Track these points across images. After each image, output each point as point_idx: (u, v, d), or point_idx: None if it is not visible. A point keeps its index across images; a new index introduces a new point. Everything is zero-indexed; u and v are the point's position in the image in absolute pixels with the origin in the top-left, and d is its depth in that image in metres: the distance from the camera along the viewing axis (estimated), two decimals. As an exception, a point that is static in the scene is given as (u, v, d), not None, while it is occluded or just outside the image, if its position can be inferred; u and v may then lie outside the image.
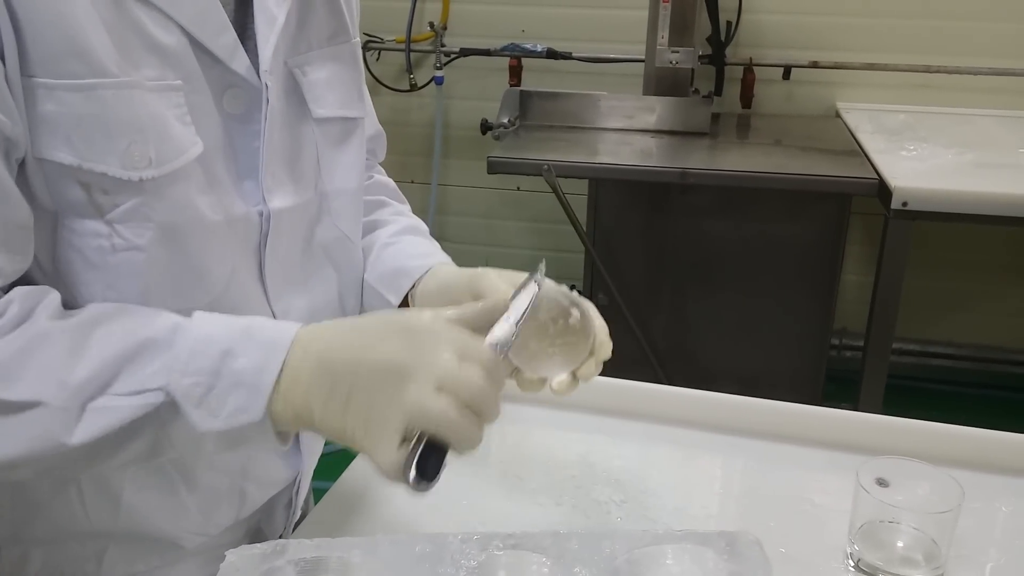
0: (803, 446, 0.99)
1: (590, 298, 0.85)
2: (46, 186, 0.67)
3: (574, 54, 2.88)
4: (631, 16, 2.68)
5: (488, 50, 2.94)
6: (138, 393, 0.64)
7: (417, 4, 2.96)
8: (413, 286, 0.90)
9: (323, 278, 0.87)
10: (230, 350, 0.65)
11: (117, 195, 0.68)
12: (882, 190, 2.09)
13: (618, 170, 2.28)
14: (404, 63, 3.04)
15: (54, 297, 0.68)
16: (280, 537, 0.93)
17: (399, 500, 0.91)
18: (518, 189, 3.08)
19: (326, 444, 0.96)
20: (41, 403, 0.63)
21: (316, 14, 0.82)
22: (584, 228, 2.35)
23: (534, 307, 0.72)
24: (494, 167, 2.27)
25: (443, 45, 3.00)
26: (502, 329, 0.67)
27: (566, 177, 2.23)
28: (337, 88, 0.85)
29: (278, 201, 0.78)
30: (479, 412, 0.62)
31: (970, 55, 2.70)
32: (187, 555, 0.85)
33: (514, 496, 0.92)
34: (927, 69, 2.73)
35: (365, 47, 2.97)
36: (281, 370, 0.65)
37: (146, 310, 0.69)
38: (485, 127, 2.57)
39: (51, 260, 0.70)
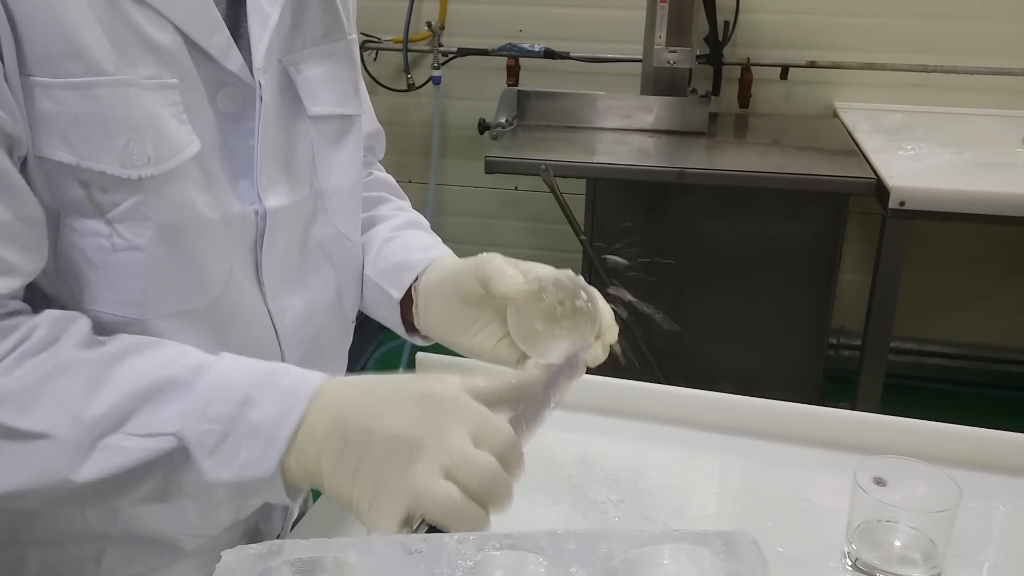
0: (801, 445, 0.99)
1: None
2: (47, 185, 0.67)
3: (572, 54, 2.88)
4: (628, 16, 2.69)
5: (486, 50, 2.94)
6: (151, 436, 0.63)
7: (415, 4, 2.96)
8: (416, 280, 0.89)
9: (321, 277, 0.87)
10: (250, 397, 0.64)
11: (116, 194, 0.68)
12: (880, 189, 2.09)
13: (616, 170, 2.29)
14: (401, 63, 3.04)
15: (83, 324, 0.68)
16: (278, 537, 0.93)
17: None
18: (516, 189, 3.08)
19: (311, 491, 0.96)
20: (52, 436, 0.62)
21: (311, 11, 0.82)
22: (582, 228, 2.35)
23: (540, 287, 0.72)
24: (492, 167, 2.27)
25: (441, 45, 3.00)
26: (528, 416, 0.64)
27: (564, 177, 2.23)
28: (332, 85, 0.84)
29: (274, 200, 0.78)
30: (487, 501, 0.60)
31: (967, 55, 2.70)
32: (185, 556, 0.85)
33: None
34: (924, 69, 2.73)
35: (362, 47, 2.96)
36: (299, 424, 0.63)
37: (174, 346, 0.68)
38: (483, 127, 2.57)
39: (53, 260, 0.70)
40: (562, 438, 1.02)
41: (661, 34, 2.43)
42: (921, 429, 0.98)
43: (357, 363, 2.78)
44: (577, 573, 0.68)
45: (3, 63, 0.63)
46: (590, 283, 0.79)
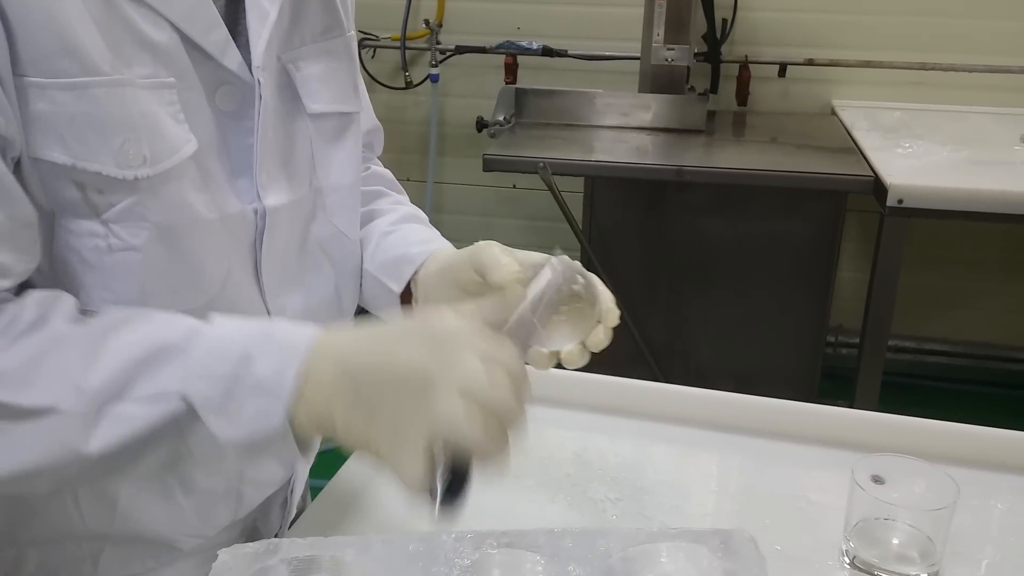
0: (799, 443, 0.99)
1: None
2: (41, 186, 0.67)
3: (570, 51, 2.87)
4: (627, 13, 2.68)
5: (484, 47, 2.93)
6: (155, 398, 0.62)
7: (412, 1, 2.96)
8: (415, 272, 0.89)
9: (320, 275, 0.87)
10: (248, 353, 0.63)
11: (112, 194, 0.68)
12: (878, 187, 2.09)
13: (614, 168, 2.28)
14: (399, 61, 3.03)
15: (69, 301, 0.67)
16: (276, 535, 0.93)
17: (394, 499, 0.90)
18: (514, 187, 3.08)
19: (322, 442, 0.96)
20: (56, 409, 0.62)
21: (309, 8, 0.81)
22: (580, 226, 2.34)
23: (534, 270, 0.71)
24: (490, 165, 2.26)
25: (438, 43, 2.99)
26: (523, 323, 0.65)
27: (562, 175, 2.23)
28: (331, 83, 0.84)
29: (273, 198, 0.78)
30: (505, 419, 0.60)
31: (965, 52, 2.70)
32: (183, 556, 0.84)
33: (509, 494, 0.92)
34: (923, 66, 2.73)
35: (360, 45, 2.96)
36: (302, 373, 0.63)
37: (163, 314, 0.67)
38: (481, 125, 2.57)
39: (48, 261, 0.70)
40: (560, 436, 1.01)
41: (659, 32, 2.43)
42: (919, 427, 0.98)
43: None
44: (575, 571, 0.68)
45: None
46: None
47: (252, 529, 0.91)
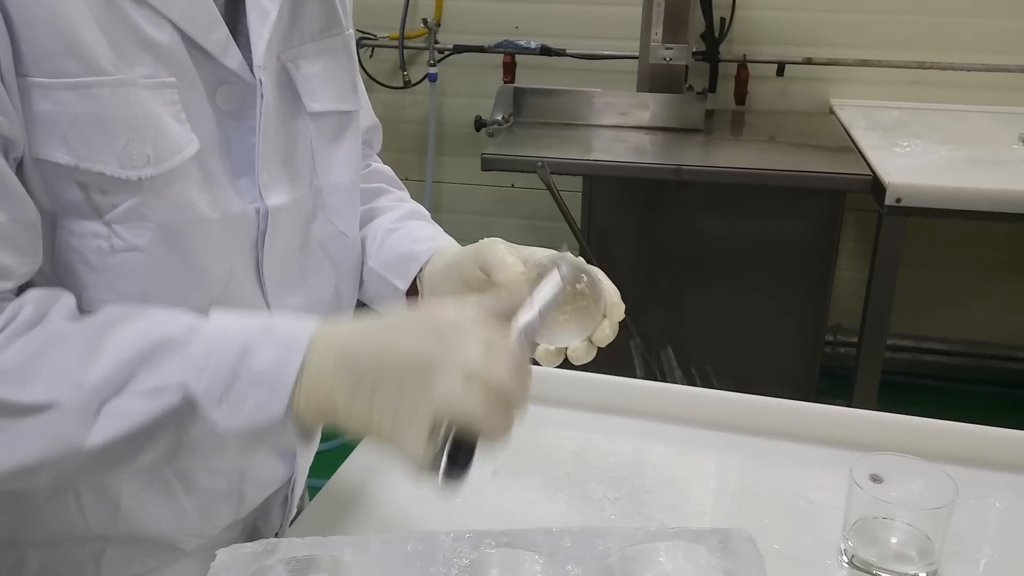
0: (797, 442, 0.99)
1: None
2: (44, 187, 0.67)
3: (568, 51, 2.87)
4: (625, 12, 2.68)
5: (482, 47, 2.93)
6: (155, 393, 0.62)
7: (410, 1, 2.96)
8: (420, 270, 0.89)
9: (320, 274, 0.87)
10: (248, 347, 0.63)
11: (115, 195, 0.68)
12: (876, 186, 2.09)
13: (612, 167, 2.28)
14: (397, 60, 3.03)
15: (68, 299, 0.67)
16: (276, 534, 0.93)
17: (393, 498, 0.90)
18: (512, 186, 3.08)
19: (322, 441, 0.96)
20: (56, 405, 0.62)
21: (308, 7, 0.81)
22: (578, 225, 2.34)
23: (539, 275, 0.71)
24: (488, 164, 2.26)
25: (437, 42, 2.99)
26: (526, 316, 0.65)
27: (560, 174, 2.23)
28: (331, 81, 0.84)
29: (275, 198, 0.78)
30: (508, 402, 0.60)
31: (964, 51, 2.70)
32: (184, 556, 0.84)
33: (507, 494, 0.92)
34: (921, 65, 2.73)
35: (358, 44, 2.96)
36: (302, 366, 0.63)
37: (162, 311, 0.67)
38: (479, 124, 2.57)
39: (51, 262, 0.69)
40: (559, 435, 1.01)
41: (657, 31, 2.43)
42: (917, 426, 0.98)
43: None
44: (573, 571, 0.68)
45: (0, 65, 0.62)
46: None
47: (252, 528, 0.91)
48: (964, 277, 2.90)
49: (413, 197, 1.04)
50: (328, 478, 0.93)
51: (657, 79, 2.50)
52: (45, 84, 0.64)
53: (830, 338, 2.79)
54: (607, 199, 2.45)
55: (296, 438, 0.65)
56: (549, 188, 2.20)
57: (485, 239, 0.80)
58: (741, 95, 2.82)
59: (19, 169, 0.66)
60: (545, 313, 0.68)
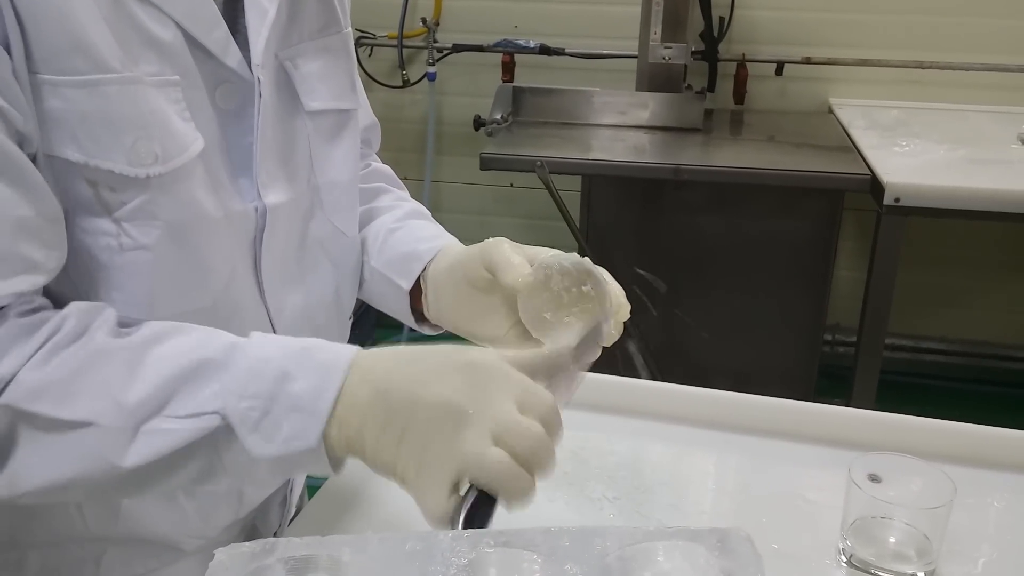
0: (796, 442, 0.99)
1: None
2: (55, 184, 0.67)
3: (567, 50, 2.87)
4: (624, 12, 2.68)
5: (481, 46, 2.93)
6: (194, 416, 0.63)
7: (409, 0, 2.96)
8: (424, 269, 0.88)
9: (319, 273, 0.86)
10: (287, 373, 0.63)
11: (124, 192, 0.68)
12: (875, 186, 2.09)
13: (611, 166, 2.28)
14: (396, 59, 3.03)
15: (110, 313, 0.67)
16: (275, 534, 0.93)
17: (391, 497, 0.90)
18: (511, 186, 3.08)
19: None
20: (95, 423, 0.62)
21: (307, 5, 0.81)
22: (577, 224, 2.34)
23: (546, 276, 0.72)
24: (487, 163, 2.26)
25: (435, 41, 2.99)
26: (562, 369, 0.65)
27: (559, 173, 2.23)
28: (329, 80, 0.84)
29: (273, 196, 0.78)
30: (535, 467, 0.60)
31: (963, 51, 2.70)
32: (185, 556, 0.84)
33: (506, 493, 0.92)
34: (920, 65, 2.73)
35: (357, 43, 2.96)
36: (338, 395, 0.63)
37: (202, 329, 0.68)
38: (478, 123, 2.57)
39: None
40: (557, 435, 1.01)
41: (656, 30, 2.43)
42: (916, 426, 0.98)
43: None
44: (572, 570, 0.68)
45: (12, 60, 0.62)
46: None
47: (252, 528, 0.91)
48: (963, 277, 2.91)
49: (412, 197, 1.04)
50: (326, 478, 0.93)
51: (656, 78, 2.50)
52: (54, 82, 0.64)
53: (829, 337, 2.79)
54: (606, 198, 2.45)
55: (327, 466, 0.64)
56: (548, 187, 2.20)
57: (490, 239, 0.80)
58: (740, 94, 2.82)
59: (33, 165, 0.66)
60: (577, 366, 0.67)
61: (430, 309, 0.87)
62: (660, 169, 2.26)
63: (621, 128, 2.52)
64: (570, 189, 2.36)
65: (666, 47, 2.44)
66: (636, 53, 2.52)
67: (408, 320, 0.91)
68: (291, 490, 0.93)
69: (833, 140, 2.46)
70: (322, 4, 0.83)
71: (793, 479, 0.94)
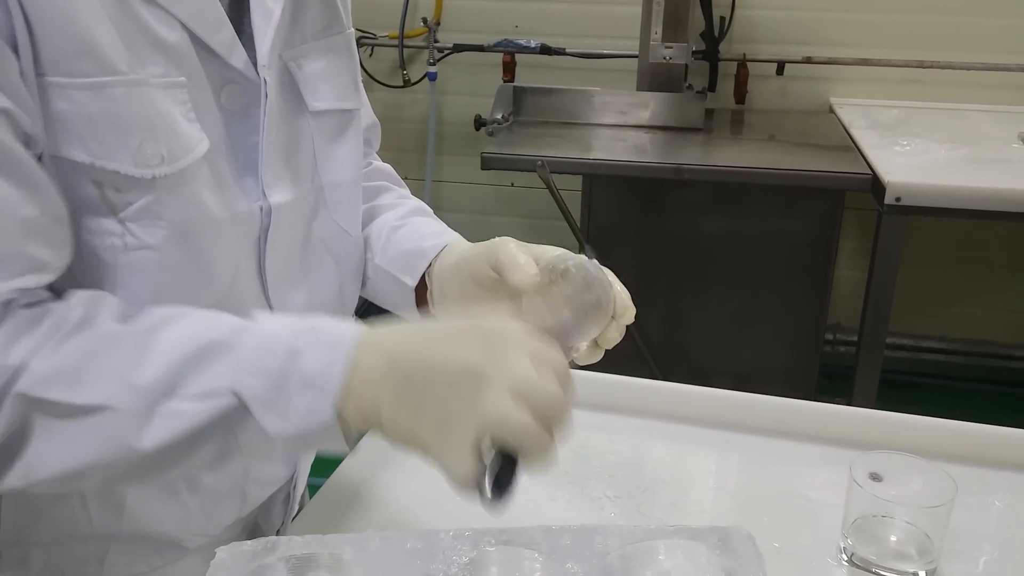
0: (797, 441, 0.99)
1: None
2: (61, 185, 0.67)
3: (568, 50, 2.87)
4: (625, 12, 2.68)
5: (481, 46, 2.93)
6: (207, 395, 0.62)
7: (410, 0, 2.96)
8: (429, 266, 0.88)
9: (323, 272, 0.87)
10: (296, 349, 0.63)
11: (129, 193, 0.68)
12: (876, 185, 2.09)
13: (612, 166, 2.28)
14: (397, 59, 3.03)
15: (114, 301, 0.67)
16: (278, 532, 0.93)
17: (393, 496, 0.90)
18: (512, 185, 3.08)
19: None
20: (110, 407, 0.62)
21: (310, 6, 0.81)
22: (578, 224, 2.34)
23: (552, 277, 0.72)
24: (488, 163, 2.26)
25: (436, 41, 2.99)
26: (567, 329, 0.66)
27: (560, 173, 2.23)
28: (332, 80, 0.84)
29: (278, 196, 0.78)
30: (554, 417, 0.60)
31: (963, 50, 2.70)
32: (188, 554, 0.84)
33: (507, 492, 0.92)
34: (921, 64, 2.73)
35: (358, 43, 2.96)
36: (349, 368, 0.63)
37: (206, 312, 0.68)
38: (479, 123, 2.57)
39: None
40: (558, 434, 1.01)
41: (657, 30, 2.43)
42: (917, 425, 0.98)
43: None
44: (573, 569, 0.68)
45: (19, 62, 0.62)
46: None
47: (254, 526, 0.92)
48: (963, 276, 2.90)
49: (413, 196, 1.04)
50: (328, 477, 0.93)
51: (657, 78, 2.50)
52: (61, 84, 0.64)
53: (829, 337, 2.79)
54: (607, 198, 2.45)
55: (342, 441, 0.64)
56: (549, 187, 2.20)
57: (496, 238, 0.80)
58: (741, 94, 2.82)
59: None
60: (582, 324, 0.68)
61: (435, 306, 0.88)
62: (661, 169, 2.26)
63: (622, 128, 2.52)
64: (571, 189, 2.36)
65: (667, 47, 2.44)
66: (637, 53, 2.52)
67: (413, 317, 0.91)
68: (294, 487, 0.93)
69: (834, 140, 2.45)
70: (324, 4, 0.84)
71: (794, 478, 0.94)
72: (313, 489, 0.94)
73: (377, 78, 3.05)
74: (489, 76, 2.96)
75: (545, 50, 2.88)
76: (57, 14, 0.63)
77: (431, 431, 0.61)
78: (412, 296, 0.89)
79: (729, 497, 0.95)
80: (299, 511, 0.96)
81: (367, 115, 0.99)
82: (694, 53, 2.59)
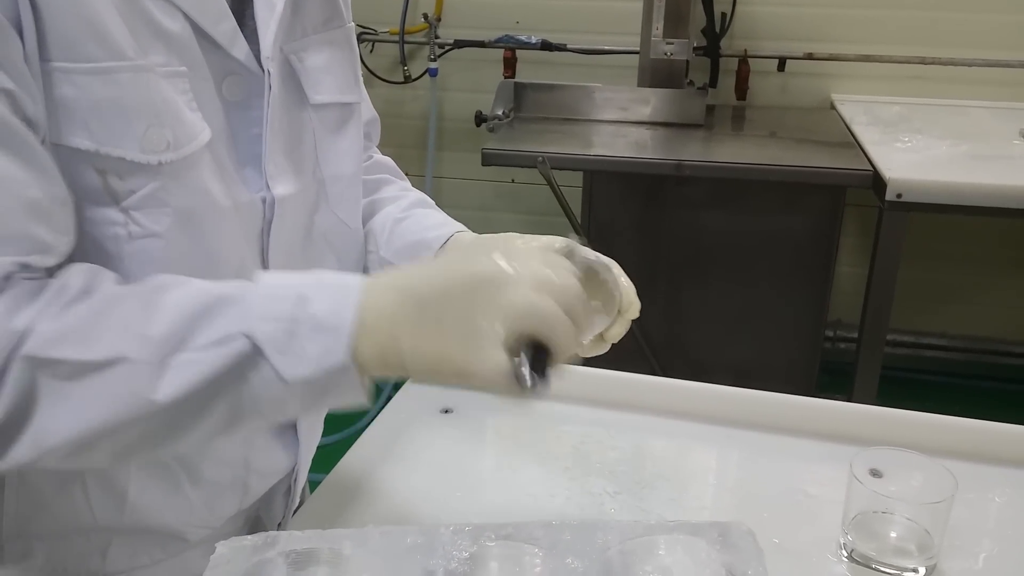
0: (797, 437, 0.99)
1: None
2: (61, 173, 0.67)
3: (569, 46, 2.87)
4: (626, 7, 2.68)
5: (482, 42, 2.93)
6: (220, 343, 0.62)
7: (411, -4, 2.96)
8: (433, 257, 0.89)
9: (324, 265, 0.87)
10: (304, 296, 0.63)
11: (133, 180, 0.68)
12: (877, 182, 2.09)
13: (613, 162, 2.28)
14: (398, 55, 3.03)
15: (110, 273, 0.67)
16: (279, 525, 0.93)
17: (392, 491, 0.91)
18: (513, 181, 3.08)
19: (323, 436, 0.96)
20: (124, 359, 0.61)
21: None
22: (579, 220, 2.34)
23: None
24: (489, 159, 2.26)
25: (437, 37, 2.99)
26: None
27: (561, 169, 2.22)
28: (334, 73, 0.84)
29: (281, 188, 0.78)
30: (575, 315, 0.62)
31: (965, 47, 2.70)
32: (190, 546, 0.85)
33: (507, 488, 0.92)
34: (922, 61, 2.73)
35: (359, 39, 2.95)
36: (361, 308, 0.63)
37: (209, 281, 0.67)
38: (479, 119, 2.56)
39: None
40: (558, 431, 1.01)
41: (658, 26, 2.43)
42: (917, 421, 0.98)
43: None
44: (573, 564, 0.68)
45: (24, 46, 0.62)
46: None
47: (255, 519, 0.92)
48: (964, 273, 2.90)
49: (413, 192, 1.04)
50: (328, 472, 0.93)
51: (658, 74, 2.50)
52: (67, 69, 0.64)
53: (830, 333, 2.79)
54: (608, 194, 2.45)
55: (360, 386, 0.64)
56: (550, 183, 2.20)
57: (503, 233, 0.80)
58: (742, 90, 2.82)
59: None
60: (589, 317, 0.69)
61: None
62: (662, 165, 2.26)
63: (623, 124, 2.52)
64: (572, 185, 2.36)
65: (668, 43, 2.44)
66: (638, 49, 2.52)
67: None
68: (295, 480, 0.94)
69: (835, 136, 2.45)
70: None
71: (794, 474, 0.94)
72: (314, 485, 0.94)
73: (378, 74, 3.05)
74: (490, 72, 2.95)
75: (546, 46, 2.88)
76: None
77: (457, 345, 0.61)
78: None
79: (729, 493, 0.95)
80: (300, 505, 0.96)
81: (367, 109, 0.99)
82: (695, 49, 2.59)
